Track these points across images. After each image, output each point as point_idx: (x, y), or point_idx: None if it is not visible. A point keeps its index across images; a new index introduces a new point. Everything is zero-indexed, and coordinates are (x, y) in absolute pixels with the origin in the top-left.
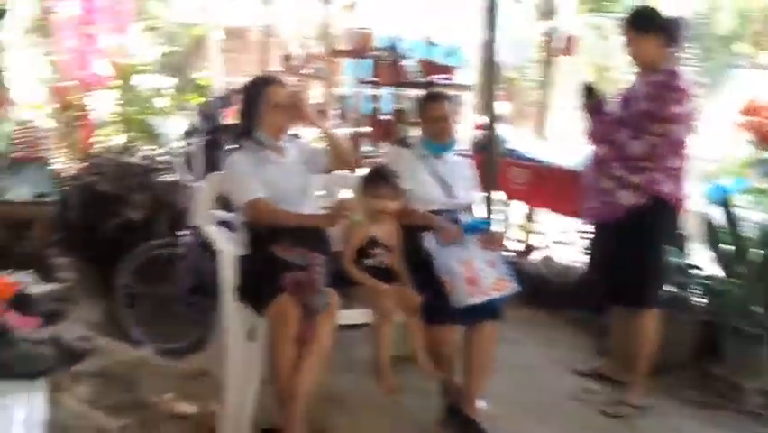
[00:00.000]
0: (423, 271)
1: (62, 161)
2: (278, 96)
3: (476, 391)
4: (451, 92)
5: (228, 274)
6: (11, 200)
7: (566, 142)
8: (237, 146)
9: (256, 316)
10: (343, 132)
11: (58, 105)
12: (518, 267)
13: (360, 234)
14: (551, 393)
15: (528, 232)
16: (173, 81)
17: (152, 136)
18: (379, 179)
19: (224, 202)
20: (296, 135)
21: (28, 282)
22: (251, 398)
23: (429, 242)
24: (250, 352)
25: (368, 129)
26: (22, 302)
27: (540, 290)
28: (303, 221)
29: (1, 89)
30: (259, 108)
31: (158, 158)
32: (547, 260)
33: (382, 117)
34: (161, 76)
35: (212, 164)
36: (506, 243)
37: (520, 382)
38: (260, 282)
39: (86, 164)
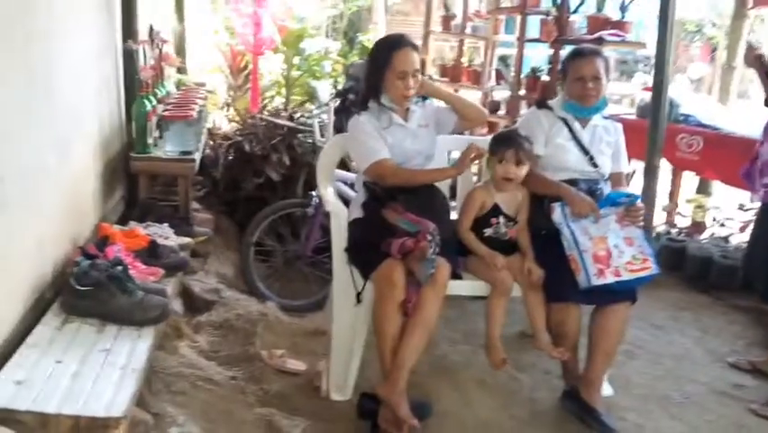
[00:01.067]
0: (549, 245)
1: (222, 121)
2: (403, 63)
3: (599, 377)
4: (624, 48)
5: (338, 236)
6: (158, 156)
7: (754, 108)
8: (362, 109)
9: (363, 279)
10: (502, 94)
11: (230, 69)
12: (683, 246)
13: (478, 201)
14: (693, 386)
15: (698, 207)
16: (339, 44)
17: (313, 99)
18: (505, 143)
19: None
20: (423, 98)
21: (163, 234)
22: (355, 361)
23: (558, 213)
24: (356, 314)
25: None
26: (152, 253)
27: (705, 272)
28: (429, 176)
29: (168, 52)
30: (383, 74)
31: (306, 119)
32: (716, 239)
33: (543, 78)
34: (329, 39)
35: (342, 126)
36: (662, 218)
37: (660, 371)
38: (369, 246)
39: (239, 125)
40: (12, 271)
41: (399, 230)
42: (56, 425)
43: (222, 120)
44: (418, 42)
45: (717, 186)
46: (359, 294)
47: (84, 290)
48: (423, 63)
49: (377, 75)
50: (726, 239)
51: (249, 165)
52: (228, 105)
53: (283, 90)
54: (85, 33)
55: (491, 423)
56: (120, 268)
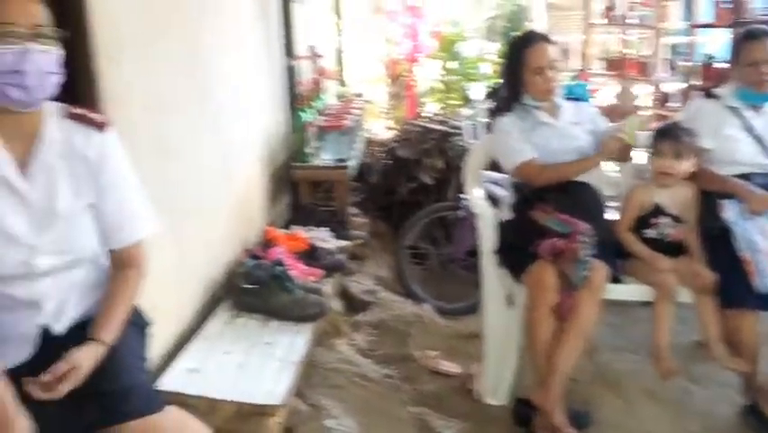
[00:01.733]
0: (720, 246)
1: (379, 129)
2: (537, 59)
3: None
4: None
5: (487, 237)
6: (316, 164)
7: None
8: (506, 111)
9: (514, 281)
10: (674, 85)
11: (388, 78)
12: None
13: (637, 200)
14: None
15: None
16: (496, 46)
17: (468, 102)
18: (665, 137)
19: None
20: (576, 97)
21: (323, 238)
22: (510, 365)
23: (730, 211)
24: (508, 318)
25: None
26: (312, 255)
27: None
28: (577, 167)
29: (325, 66)
30: (519, 73)
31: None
32: None
33: (718, 66)
34: (485, 41)
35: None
36: None
37: None
38: (518, 247)
39: (396, 132)
40: (189, 272)
41: (550, 231)
42: (222, 409)
43: (380, 128)
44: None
45: None
46: (509, 297)
47: (249, 288)
48: (585, 57)
49: (513, 75)
50: None
51: (403, 170)
52: (386, 113)
53: (440, 96)
54: (251, 54)
55: None
56: (281, 268)
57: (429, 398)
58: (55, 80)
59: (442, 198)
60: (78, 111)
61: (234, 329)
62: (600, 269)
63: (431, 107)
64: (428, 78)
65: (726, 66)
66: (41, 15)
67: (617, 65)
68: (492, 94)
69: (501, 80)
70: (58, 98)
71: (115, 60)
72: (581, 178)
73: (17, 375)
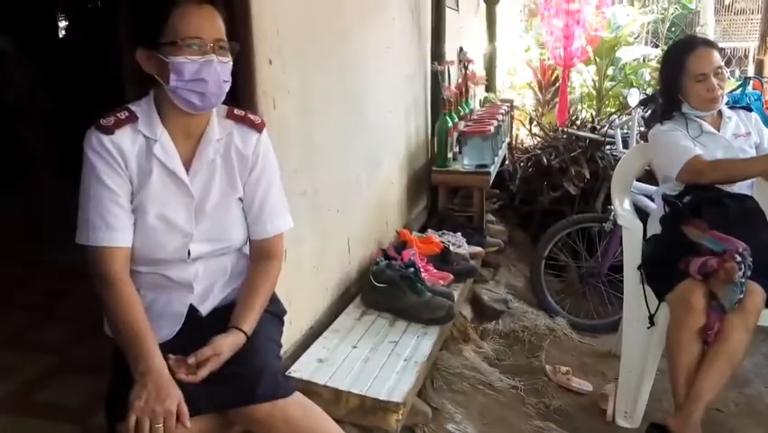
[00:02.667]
0: None
1: (524, 136)
2: (700, 65)
3: None
4: None
5: (631, 251)
6: (456, 169)
7: None
8: (665, 119)
9: (657, 299)
10: None
11: (538, 84)
12: None
13: None
14: None
15: None
16: (658, 52)
17: (622, 110)
18: None
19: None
20: (744, 107)
21: (457, 243)
22: (646, 388)
23: None
24: (649, 338)
25: None
26: (444, 259)
27: None
28: (759, 164)
29: (473, 71)
30: (679, 81)
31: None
32: None
33: None
34: (646, 47)
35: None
36: None
37: None
38: (666, 264)
39: (542, 139)
40: (325, 268)
41: (702, 248)
42: (346, 401)
43: (525, 135)
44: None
45: None
46: (652, 316)
47: (380, 287)
48: (761, 65)
49: (673, 83)
50: None
51: (546, 178)
52: (534, 120)
53: (594, 103)
54: (398, 61)
55: None
56: (412, 270)
57: (556, 414)
58: (227, 88)
59: (587, 209)
60: (239, 112)
61: (363, 325)
62: (756, 292)
63: (582, 115)
64: (583, 85)
65: None
66: (222, 30)
67: None
68: (648, 101)
69: (659, 87)
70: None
71: (274, 63)
72: (743, 190)
73: (165, 350)
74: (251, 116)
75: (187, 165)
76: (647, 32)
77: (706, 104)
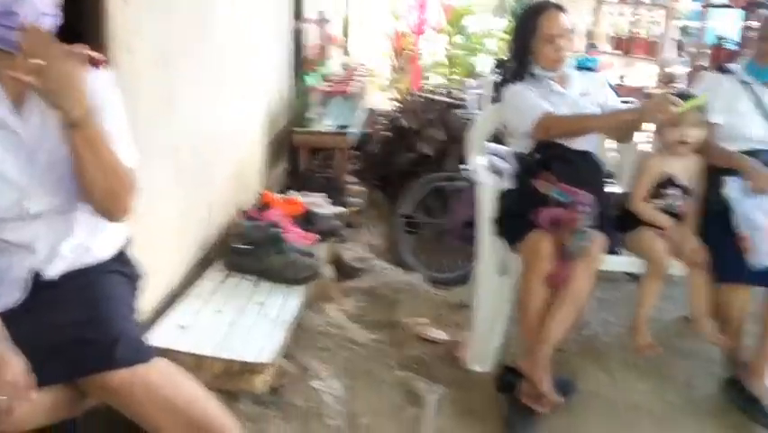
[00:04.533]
0: (719, 222)
1: (381, 101)
2: (549, 27)
3: (766, 366)
4: None
5: (487, 205)
6: (317, 130)
7: None
8: (516, 79)
9: (509, 250)
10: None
11: (393, 51)
12: None
13: (655, 169)
14: None
15: None
16: (504, 23)
17: (474, 76)
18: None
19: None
20: (587, 67)
21: (319, 203)
22: (498, 333)
23: (732, 188)
24: (500, 286)
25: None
26: (308, 220)
27: None
28: (601, 120)
29: (332, 34)
30: (529, 42)
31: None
32: None
33: (728, 47)
34: (494, 17)
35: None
36: None
37: None
38: (517, 216)
39: (397, 103)
40: (185, 231)
41: (551, 200)
42: (210, 366)
43: (383, 100)
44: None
45: None
46: (503, 266)
47: (244, 248)
48: (593, 35)
49: (524, 44)
50: None
51: (404, 141)
52: (389, 85)
53: (445, 70)
54: (261, 17)
55: (641, 407)
56: (276, 230)
57: (415, 363)
58: (50, 22)
59: (442, 169)
60: (76, 49)
61: (227, 289)
62: (598, 239)
63: (435, 81)
64: (434, 52)
65: (736, 48)
66: None
67: (624, 44)
68: (500, 65)
69: (511, 50)
70: (63, 40)
71: (130, 3)
72: (584, 146)
73: (8, 319)
74: (92, 54)
75: (19, 110)
76: (498, 4)
77: (553, 64)
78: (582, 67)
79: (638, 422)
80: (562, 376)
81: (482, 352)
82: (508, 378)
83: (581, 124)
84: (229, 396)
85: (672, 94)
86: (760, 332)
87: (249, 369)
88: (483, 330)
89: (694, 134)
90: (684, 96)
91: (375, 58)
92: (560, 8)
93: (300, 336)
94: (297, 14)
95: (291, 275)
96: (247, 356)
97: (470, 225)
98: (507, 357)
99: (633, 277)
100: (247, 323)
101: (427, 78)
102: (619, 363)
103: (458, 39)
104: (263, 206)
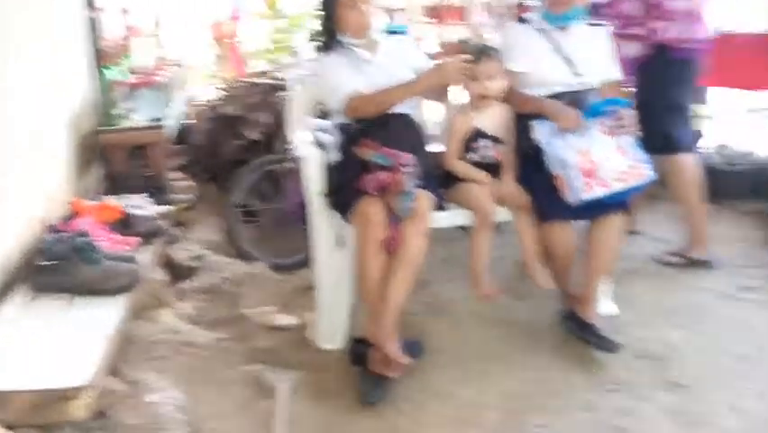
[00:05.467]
0: (534, 165)
1: (205, 91)
2: None
3: (595, 292)
4: None
5: (314, 180)
6: (126, 127)
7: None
8: (326, 50)
9: (343, 221)
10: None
11: (214, 40)
12: None
13: (462, 126)
14: (700, 294)
15: (697, 117)
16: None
17: (293, 54)
18: (477, 57)
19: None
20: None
21: (139, 205)
22: (344, 308)
23: (541, 131)
24: (340, 260)
25: None
26: (126, 224)
27: (711, 181)
28: (404, 90)
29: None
30: (333, 10)
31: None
32: (720, 148)
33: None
34: None
35: None
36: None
37: (665, 284)
38: (346, 187)
39: (225, 91)
40: None
41: (374, 166)
42: (17, 401)
43: (206, 90)
44: None
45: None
46: (339, 239)
47: (48, 266)
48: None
49: (328, 13)
50: (728, 147)
51: (228, 128)
52: (214, 75)
53: (269, 54)
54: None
55: (490, 354)
56: (83, 239)
57: (264, 354)
58: None
59: (270, 152)
60: None
61: (33, 313)
62: (425, 198)
63: (259, 66)
64: (255, 38)
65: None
66: None
67: (435, 12)
68: (314, 37)
69: (319, 22)
70: None
71: None
72: (403, 109)
73: None
74: None
75: None
76: None
77: (358, 30)
78: (392, 32)
79: (488, 369)
80: (410, 338)
81: (331, 329)
82: (359, 349)
83: (387, 99)
84: (45, 430)
85: (471, 49)
86: (585, 263)
87: (63, 396)
88: (328, 307)
89: (495, 86)
90: (481, 50)
91: (194, 48)
92: None
93: (128, 349)
94: (90, 2)
95: (108, 285)
96: (59, 382)
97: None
98: (356, 330)
99: (466, 231)
100: (58, 346)
101: (252, 65)
102: (464, 316)
103: (279, 22)
104: (73, 216)
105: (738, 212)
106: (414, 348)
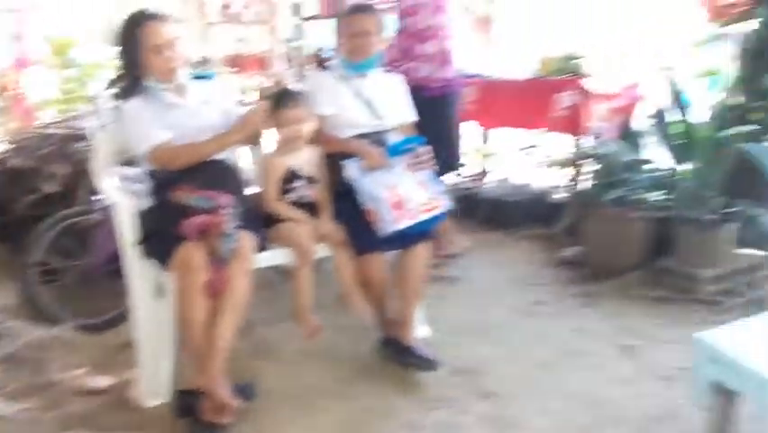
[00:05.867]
0: (347, 202)
1: None
2: (153, 38)
3: (411, 317)
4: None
5: (127, 229)
6: None
7: (515, 53)
8: (130, 95)
9: (162, 270)
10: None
11: None
12: (474, 192)
13: (278, 167)
14: (499, 310)
15: (483, 155)
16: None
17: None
18: (285, 102)
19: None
20: (203, 76)
21: None
22: (166, 359)
23: (351, 170)
24: (159, 311)
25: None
26: None
27: (497, 212)
28: (213, 144)
29: None
30: (135, 55)
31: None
32: (502, 181)
33: (324, 56)
34: (104, 45)
35: None
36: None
37: (469, 304)
38: (162, 234)
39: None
40: None
41: (193, 209)
42: None
43: None
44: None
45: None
46: (158, 288)
47: None
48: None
49: (131, 58)
50: (508, 180)
51: (19, 183)
52: None
53: (60, 105)
54: None
55: (319, 389)
56: None
57: (79, 420)
58: None
59: (72, 204)
60: None
61: None
62: (247, 239)
63: (48, 116)
64: (43, 88)
65: (332, 54)
66: None
67: (237, 62)
68: (114, 83)
69: (120, 66)
70: None
71: None
72: (218, 155)
73: None
74: None
75: None
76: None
77: (166, 74)
78: (200, 77)
79: (319, 404)
80: (240, 382)
81: (155, 384)
82: (187, 401)
83: (196, 154)
84: None
85: (272, 96)
86: (399, 290)
87: None
88: (150, 361)
89: (305, 128)
90: (285, 95)
91: None
92: (161, 18)
93: None
94: None
95: None
96: None
97: (117, 256)
98: (182, 382)
99: (287, 275)
100: None
101: (41, 115)
102: (291, 354)
103: (70, 72)
104: None
105: (522, 237)
106: (246, 391)
